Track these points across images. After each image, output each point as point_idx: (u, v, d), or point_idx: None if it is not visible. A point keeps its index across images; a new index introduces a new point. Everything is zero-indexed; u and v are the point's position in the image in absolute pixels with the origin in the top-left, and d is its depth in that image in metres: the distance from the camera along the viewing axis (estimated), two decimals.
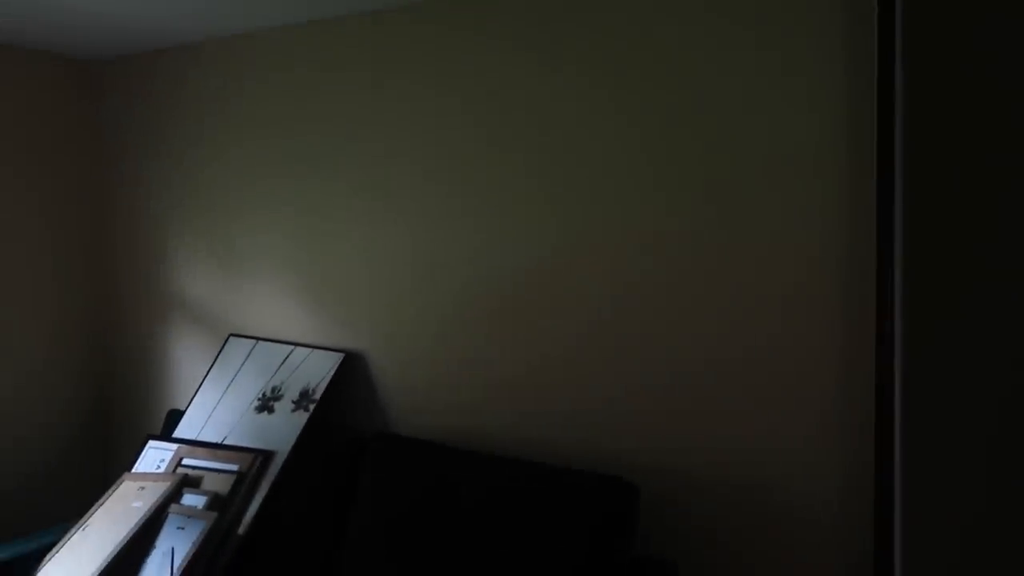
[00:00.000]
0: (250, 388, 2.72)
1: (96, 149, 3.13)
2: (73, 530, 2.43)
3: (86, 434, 3.10)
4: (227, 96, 2.92)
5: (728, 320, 2.22)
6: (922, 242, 1.44)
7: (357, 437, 2.54)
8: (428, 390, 2.61)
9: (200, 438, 2.66)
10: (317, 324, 2.77)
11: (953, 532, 0.81)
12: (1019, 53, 1.38)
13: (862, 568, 2.09)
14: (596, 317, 2.37)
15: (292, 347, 2.76)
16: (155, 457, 2.63)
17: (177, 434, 2.71)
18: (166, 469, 2.57)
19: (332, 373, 2.64)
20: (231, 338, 2.88)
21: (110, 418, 3.17)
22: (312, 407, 2.58)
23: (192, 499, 2.42)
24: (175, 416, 2.80)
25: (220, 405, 2.73)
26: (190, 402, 2.79)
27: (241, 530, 2.37)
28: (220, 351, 2.86)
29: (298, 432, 2.53)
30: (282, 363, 2.74)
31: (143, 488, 2.49)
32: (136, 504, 2.43)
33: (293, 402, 2.62)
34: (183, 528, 2.33)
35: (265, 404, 2.66)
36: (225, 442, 2.61)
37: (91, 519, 2.44)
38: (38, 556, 2.38)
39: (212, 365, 2.84)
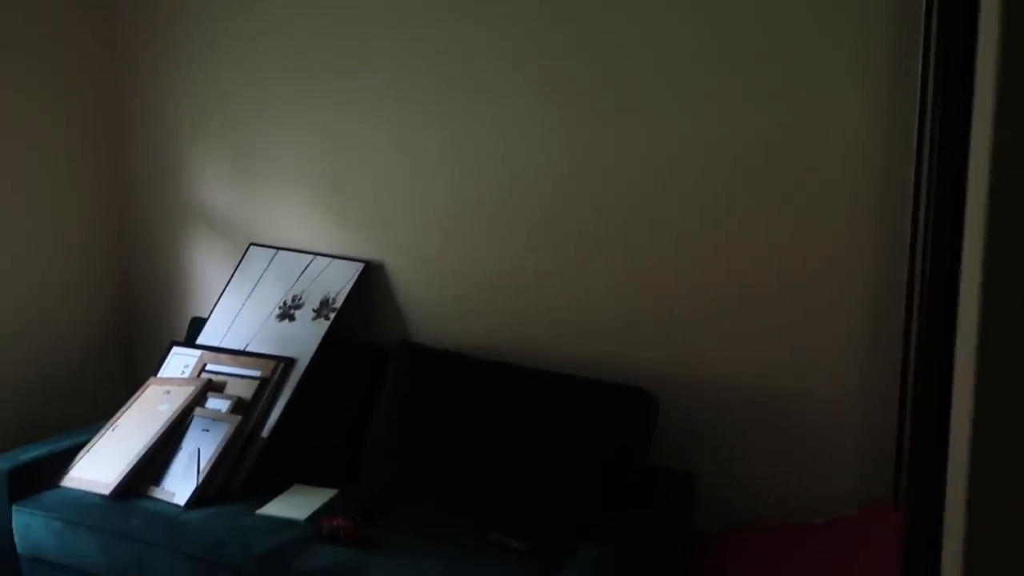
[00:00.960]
0: (271, 297, 2.73)
1: (110, 55, 3.07)
2: (103, 430, 2.49)
3: (112, 342, 3.15)
4: None
5: (758, 233, 2.18)
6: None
7: (377, 346, 2.57)
8: (448, 301, 2.61)
9: (223, 345, 2.70)
10: (337, 234, 2.76)
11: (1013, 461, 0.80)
12: None
13: (880, 482, 2.11)
14: (622, 231, 2.33)
15: (312, 256, 2.76)
16: (179, 363, 2.68)
17: (200, 341, 2.75)
18: (190, 374, 2.61)
19: (352, 283, 2.64)
20: (251, 247, 2.88)
21: (135, 326, 3.22)
22: (332, 316, 2.59)
23: (216, 403, 2.47)
24: (198, 324, 2.84)
25: (242, 313, 2.75)
26: (212, 310, 2.81)
27: (265, 433, 2.42)
28: (241, 260, 2.87)
29: (319, 340, 2.55)
30: (302, 272, 2.74)
31: (169, 392, 2.54)
32: (162, 407, 2.48)
33: (313, 311, 2.63)
34: (208, 430, 2.38)
35: (286, 312, 2.68)
36: (247, 349, 2.65)
37: (120, 420, 2.51)
38: (71, 454, 2.45)
39: (233, 274, 2.85)
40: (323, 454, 2.45)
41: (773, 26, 2.09)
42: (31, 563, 2.33)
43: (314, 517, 2.15)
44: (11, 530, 2.32)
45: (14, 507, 2.31)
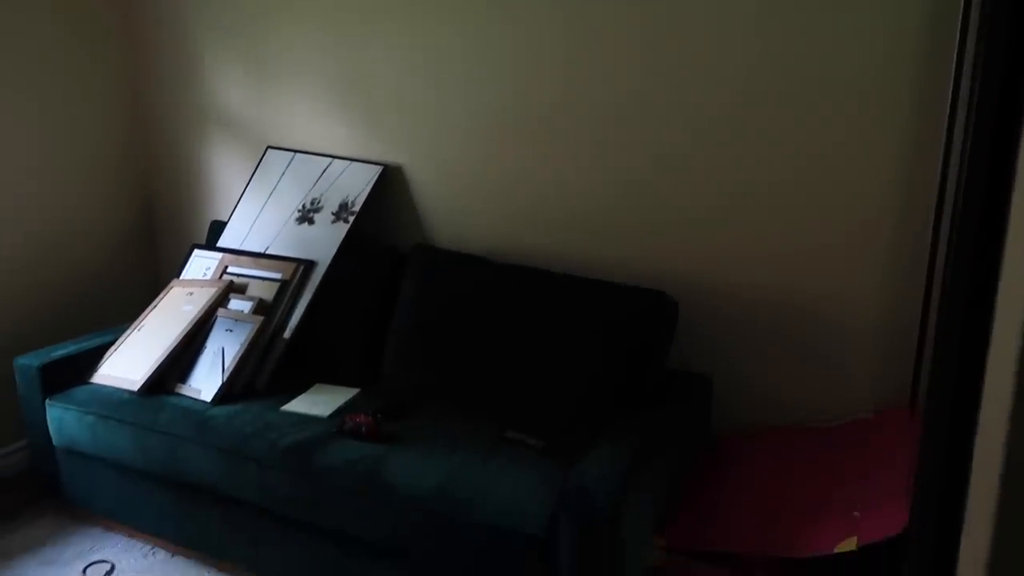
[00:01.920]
0: (290, 200, 2.73)
1: None
2: (129, 330, 2.54)
3: (134, 245, 3.18)
4: None
5: (782, 131, 2.12)
6: None
7: (396, 249, 2.57)
8: (467, 204, 2.59)
9: (243, 248, 2.71)
10: (355, 136, 2.72)
11: None
12: None
13: (897, 387, 2.11)
14: (639, 132, 2.28)
15: (330, 160, 2.73)
16: (201, 265, 2.70)
17: (220, 244, 2.76)
18: (212, 277, 2.64)
19: (371, 186, 2.62)
20: (269, 150, 2.85)
21: (156, 229, 3.24)
22: (352, 219, 2.59)
23: (238, 304, 2.50)
24: (217, 227, 2.84)
25: (261, 216, 2.75)
26: (231, 214, 2.81)
27: (286, 335, 2.46)
28: (259, 163, 2.85)
29: (338, 243, 2.56)
30: (321, 175, 2.72)
31: (191, 293, 2.57)
32: (186, 308, 2.52)
33: (333, 214, 2.63)
34: (231, 331, 2.42)
35: (305, 216, 2.67)
36: (267, 252, 2.66)
37: (145, 321, 2.55)
38: (99, 352, 2.51)
39: (251, 177, 2.84)
40: (344, 355, 2.49)
41: None
42: (67, 455, 2.42)
43: (336, 414, 2.20)
44: (46, 424, 2.41)
45: (47, 402, 2.39)
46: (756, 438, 2.20)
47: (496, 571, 1.81)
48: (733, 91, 2.14)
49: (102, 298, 3.05)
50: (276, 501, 2.06)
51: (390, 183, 2.68)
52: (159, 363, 2.36)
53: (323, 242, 2.59)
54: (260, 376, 2.39)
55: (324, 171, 2.72)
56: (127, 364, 2.43)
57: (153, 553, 2.38)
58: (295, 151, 2.81)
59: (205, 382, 2.33)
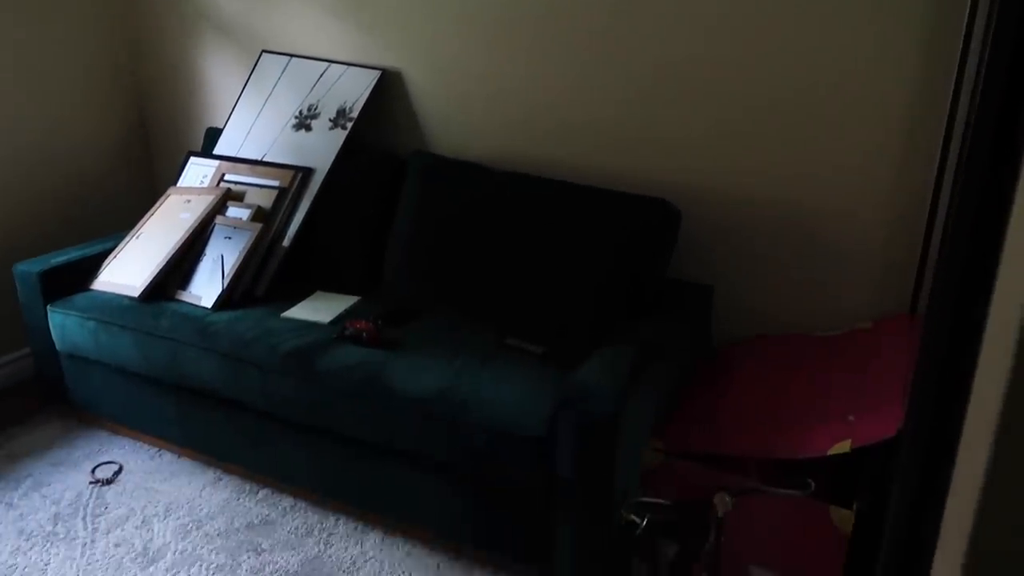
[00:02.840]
0: (286, 106, 2.66)
1: None
2: (128, 238, 2.53)
3: (130, 152, 3.13)
4: None
5: (791, 41, 2.04)
6: None
7: (395, 156, 2.52)
8: (466, 112, 2.52)
9: (240, 155, 2.66)
10: (352, 40, 2.63)
11: None
12: None
13: (898, 297, 2.11)
14: (641, 41, 2.20)
15: (327, 64, 2.66)
16: (198, 173, 2.66)
17: (217, 151, 2.71)
18: (209, 184, 2.60)
19: (369, 91, 2.56)
20: (264, 55, 2.77)
21: (151, 137, 3.18)
22: (349, 125, 2.53)
23: (237, 212, 2.47)
24: (213, 134, 2.79)
25: (257, 123, 2.69)
26: (227, 120, 2.75)
27: (285, 242, 2.44)
28: (253, 68, 2.77)
29: (336, 150, 2.51)
30: (317, 80, 2.65)
31: (189, 201, 2.54)
32: (184, 215, 2.50)
33: (330, 120, 2.57)
34: (230, 238, 2.41)
35: (302, 122, 2.61)
36: (264, 159, 2.61)
37: (143, 228, 2.53)
38: (98, 260, 2.50)
39: (246, 83, 2.76)
40: (343, 263, 2.48)
41: None
42: (69, 360, 2.44)
43: (337, 321, 2.21)
44: (48, 330, 2.42)
45: (49, 308, 2.39)
46: (755, 347, 2.21)
47: (496, 473, 1.84)
48: (740, 1, 2.06)
49: (99, 207, 3.02)
50: (278, 405, 2.09)
51: (388, 88, 2.61)
52: (159, 269, 2.35)
53: (321, 149, 2.54)
54: (260, 283, 2.38)
55: (321, 76, 2.65)
56: (127, 271, 2.42)
57: (160, 455, 2.43)
58: (291, 55, 2.73)
59: (205, 288, 2.33)
